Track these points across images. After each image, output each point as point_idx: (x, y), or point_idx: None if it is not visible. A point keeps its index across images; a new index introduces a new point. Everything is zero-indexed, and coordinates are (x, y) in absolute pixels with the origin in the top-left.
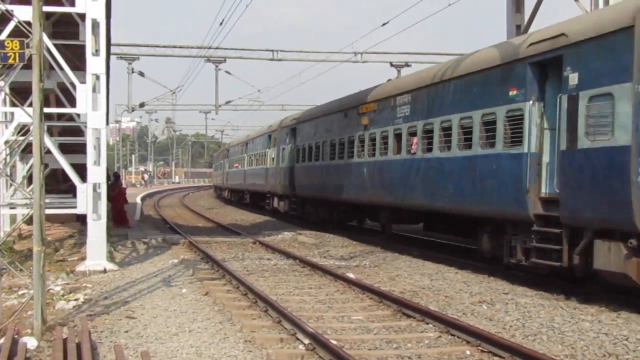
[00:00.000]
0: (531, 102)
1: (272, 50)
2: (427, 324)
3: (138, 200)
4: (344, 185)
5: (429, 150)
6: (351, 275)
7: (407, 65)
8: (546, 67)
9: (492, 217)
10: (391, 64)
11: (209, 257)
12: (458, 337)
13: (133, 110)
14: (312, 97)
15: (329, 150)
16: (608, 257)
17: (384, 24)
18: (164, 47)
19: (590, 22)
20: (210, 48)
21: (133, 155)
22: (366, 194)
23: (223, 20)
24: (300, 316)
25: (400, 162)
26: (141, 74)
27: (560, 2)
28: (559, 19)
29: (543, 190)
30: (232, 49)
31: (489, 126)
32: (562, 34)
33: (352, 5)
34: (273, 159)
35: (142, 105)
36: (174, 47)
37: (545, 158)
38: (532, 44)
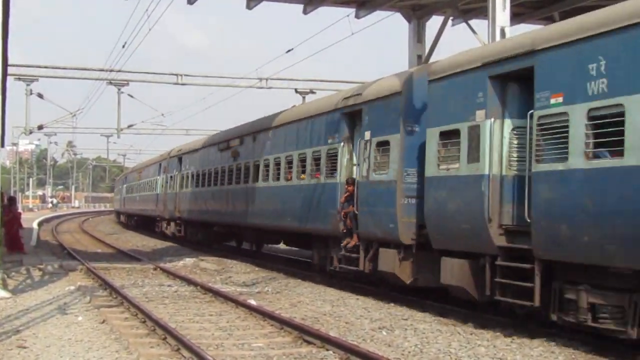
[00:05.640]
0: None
1: (176, 74)
2: (328, 350)
3: (34, 225)
4: (142, 208)
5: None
6: (253, 302)
7: (312, 92)
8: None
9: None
10: (296, 91)
11: (107, 283)
12: None
13: (31, 133)
14: (218, 122)
15: (136, 189)
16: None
17: (288, 51)
18: (64, 68)
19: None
20: (112, 71)
21: (31, 179)
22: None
23: (125, 43)
24: (199, 344)
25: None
26: (40, 95)
27: (459, 34)
28: (458, 49)
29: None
30: (135, 72)
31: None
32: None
33: (258, 33)
34: (121, 192)
35: (40, 127)
36: (75, 69)
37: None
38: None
